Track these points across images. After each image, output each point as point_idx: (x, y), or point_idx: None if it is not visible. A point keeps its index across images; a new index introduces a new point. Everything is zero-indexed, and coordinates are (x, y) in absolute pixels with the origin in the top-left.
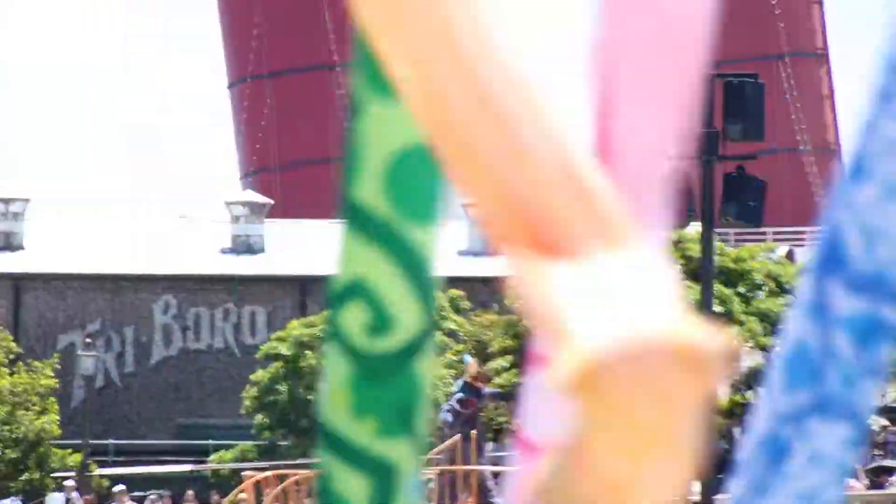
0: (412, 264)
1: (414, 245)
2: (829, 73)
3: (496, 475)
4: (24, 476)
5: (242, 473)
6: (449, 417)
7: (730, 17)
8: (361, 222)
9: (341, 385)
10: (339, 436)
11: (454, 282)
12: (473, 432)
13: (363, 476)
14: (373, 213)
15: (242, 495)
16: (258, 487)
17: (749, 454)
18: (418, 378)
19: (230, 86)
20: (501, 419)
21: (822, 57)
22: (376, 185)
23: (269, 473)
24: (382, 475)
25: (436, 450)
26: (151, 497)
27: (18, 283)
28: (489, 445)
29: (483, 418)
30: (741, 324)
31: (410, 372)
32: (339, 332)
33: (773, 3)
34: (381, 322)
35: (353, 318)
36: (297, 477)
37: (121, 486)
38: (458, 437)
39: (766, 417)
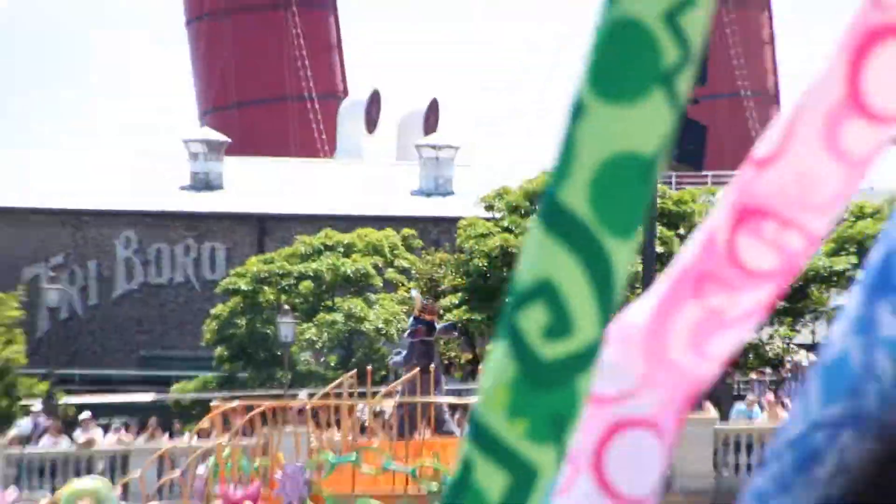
0: (603, 275)
1: (609, 256)
2: (770, 18)
3: (452, 407)
4: None
5: (211, 403)
6: (399, 360)
7: None
8: (560, 224)
9: (503, 383)
10: (490, 431)
11: (407, 221)
12: (432, 366)
13: (504, 473)
14: (574, 217)
15: (205, 423)
16: (225, 417)
17: (778, 450)
18: (579, 392)
19: (188, 23)
20: (451, 353)
21: (764, 2)
22: (583, 189)
23: (236, 404)
24: (523, 476)
25: (396, 383)
26: (116, 424)
27: None
28: (444, 379)
29: (440, 353)
30: None
31: (574, 384)
32: (514, 331)
33: None
34: (560, 326)
35: (533, 318)
36: (262, 408)
37: (87, 413)
38: (416, 370)
39: (799, 421)
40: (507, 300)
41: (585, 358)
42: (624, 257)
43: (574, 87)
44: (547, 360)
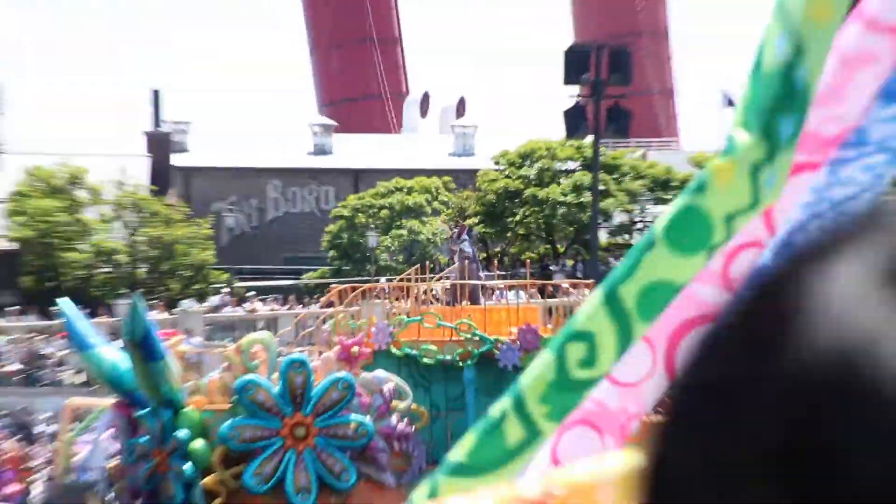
0: (626, 338)
1: (634, 330)
2: (668, 47)
3: (482, 287)
4: (195, 286)
5: (331, 286)
6: (469, 251)
7: (617, 7)
8: (613, 304)
9: (543, 381)
10: (525, 402)
11: (446, 172)
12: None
13: (522, 429)
14: (623, 305)
15: (325, 298)
16: (339, 294)
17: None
18: (582, 398)
19: (311, 52)
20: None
21: (665, 35)
22: (635, 291)
23: (345, 286)
24: (532, 436)
25: (448, 269)
26: (269, 299)
27: (187, 172)
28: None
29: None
30: (614, 196)
31: (584, 395)
32: (561, 353)
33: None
34: (589, 360)
35: (575, 351)
36: (361, 289)
37: (252, 293)
38: (458, 263)
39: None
40: (561, 331)
41: (597, 381)
42: (642, 330)
43: (654, 224)
44: (574, 378)
